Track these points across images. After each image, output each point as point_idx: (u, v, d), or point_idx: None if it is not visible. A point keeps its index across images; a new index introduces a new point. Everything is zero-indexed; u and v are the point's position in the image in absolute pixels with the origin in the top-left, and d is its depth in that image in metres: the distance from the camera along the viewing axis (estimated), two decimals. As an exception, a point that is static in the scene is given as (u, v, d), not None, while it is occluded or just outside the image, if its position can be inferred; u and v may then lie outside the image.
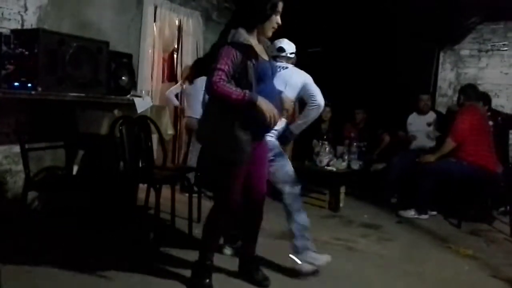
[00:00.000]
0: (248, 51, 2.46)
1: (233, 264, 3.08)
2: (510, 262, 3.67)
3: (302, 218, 3.07)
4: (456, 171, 4.71)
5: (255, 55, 2.49)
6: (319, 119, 5.95)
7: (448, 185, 4.81)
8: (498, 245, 4.16)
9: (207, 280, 2.77)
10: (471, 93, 5.01)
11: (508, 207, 4.88)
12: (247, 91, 2.40)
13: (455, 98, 5.68)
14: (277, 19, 2.57)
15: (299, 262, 3.03)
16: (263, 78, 2.54)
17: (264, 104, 2.41)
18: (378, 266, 3.43)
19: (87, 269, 2.93)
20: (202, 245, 2.83)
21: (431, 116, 5.64)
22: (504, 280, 3.26)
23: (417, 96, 5.65)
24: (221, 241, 3.30)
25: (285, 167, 3.11)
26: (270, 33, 2.63)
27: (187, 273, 2.93)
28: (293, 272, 3.07)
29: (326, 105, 5.99)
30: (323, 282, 3.01)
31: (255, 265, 2.97)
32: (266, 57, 2.64)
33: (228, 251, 3.35)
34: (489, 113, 5.38)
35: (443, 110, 6.22)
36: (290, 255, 3.06)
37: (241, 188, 2.66)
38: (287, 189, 3.08)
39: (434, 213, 5.03)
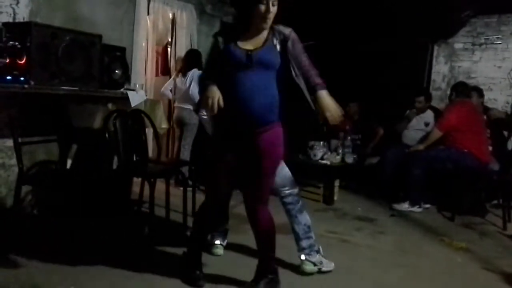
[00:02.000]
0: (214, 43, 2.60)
1: (225, 264, 3.08)
2: (503, 255, 3.70)
3: (304, 218, 3.06)
4: (444, 157, 4.86)
5: (217, 46, 2.57)
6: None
7: (439, 173, 4.86)
8: (491, 238, 4.20)
9: (197, 272, 2.80)
10: (463, 90, 5.16)
11: (500, 200, 4.92)
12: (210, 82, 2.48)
13: (448, 92, 5.68)
14: (262, 7, 2.41)
15: (303, 260, 3.02)
16: (235, 65, 2.48)
17: (207, 91, 2.43)
18: (371, 258, 3.45)
19: (81, 263, 2.92)
20: (190, 235, 2.94)
21: (428, 115, 5.55)
22: (497, 273, 3.29)
23: (412, 98, 5.56)
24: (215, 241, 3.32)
25: (283, 170, 3.03)
26: (263, 24, 2.47)
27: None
28: (287, 265, 3.09)
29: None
30: (317, 275, 3.02)
31: (259, 277, 2.75)
32: (250, 47, 2.50)
33: (220, 250, 3.30)
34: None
35: (436, 103, 6.23)
36: (301, 256, 3.03)
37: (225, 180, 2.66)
38: (287, 191, 3.03)
39: (428, 206, 5.07)
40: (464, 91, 5.14)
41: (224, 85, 2.47)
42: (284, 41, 2.56)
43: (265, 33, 2.54)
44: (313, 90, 2.57)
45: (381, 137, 6.03)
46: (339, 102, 2.80)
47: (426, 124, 5.46)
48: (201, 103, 2.51)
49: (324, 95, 2.55)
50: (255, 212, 2.65)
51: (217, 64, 2.57)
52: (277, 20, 2.56)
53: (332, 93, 2.64)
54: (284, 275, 3.01)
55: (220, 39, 2.58)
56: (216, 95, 2.41)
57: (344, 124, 5.86)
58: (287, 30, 2.58)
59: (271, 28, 2.55)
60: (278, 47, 2.54)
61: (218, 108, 2.41)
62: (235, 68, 2.48)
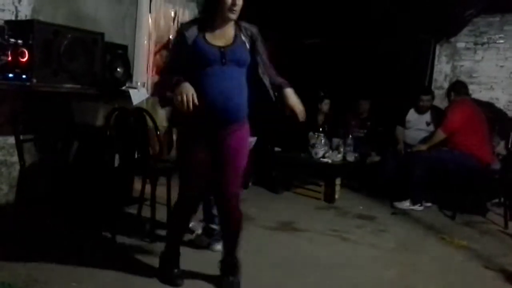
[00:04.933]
0: (179, 37, 2.56)
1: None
2: (503, 253, 3.70)
3: None
4: (447, 159, 4.85)
5: (184, 40, 2.46)
6: (316, 111, 5.94)
7: (441, 174, 4.86)
8: (491, 236, 4.20)
9: (176, 270, 2.78)
10: (460, 89, 5.18)
11: (501, 199, 4.92)
12: (180, 77, 2.39)
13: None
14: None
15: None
16: (209, 63, 2.45)
17: (181, 87, 2.33)
18: (372, 256, 3.45)
19: (82, 260, 2.93)
20: (167, 235, 2.96)
21: (429, 114, 5.51)
22: (497, 271, 3.29)
23: (417, 95, 5.53)
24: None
25: None
26: (230, 15, 2.45)
27: (184, 263, 2.95)
28: (288, 262, 3.10)
29: (324, 96, 6.03)
30: (318, 272, 3.03)
31: (230, 270, 2.77)
32: (221, 43, 2.48)
33: (218, 246, 3.26)
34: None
35: (438, 102, 6.21)
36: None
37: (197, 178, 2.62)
38: None
39: (429, 204, 5.07)
40: (462, 90, 5.16)
41: (197, 81, 2.41)
42: (252, 39, 2.59)
43: (232, 28, 2.54)
44: (279, 87, 2.61)
45: (380, 134, 6.04)
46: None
47: (428, 124, 5.46)
48: (174, 100, 2.35)
49: (292, 93, 2.59)
50: (233, 209, 2.70)
51: (183, 59, 2.50)
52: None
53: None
54: (281, 272, 3.02)
55: (187, 32, 2.47)
56: (190, 92, 2.33)
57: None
58: (254, 29, 2.62)
59: (237, 24, 2.56)
60: (247, 44, 2.56)
61: (192, 106, 2.32)
62: (209, 65, 2.46)
